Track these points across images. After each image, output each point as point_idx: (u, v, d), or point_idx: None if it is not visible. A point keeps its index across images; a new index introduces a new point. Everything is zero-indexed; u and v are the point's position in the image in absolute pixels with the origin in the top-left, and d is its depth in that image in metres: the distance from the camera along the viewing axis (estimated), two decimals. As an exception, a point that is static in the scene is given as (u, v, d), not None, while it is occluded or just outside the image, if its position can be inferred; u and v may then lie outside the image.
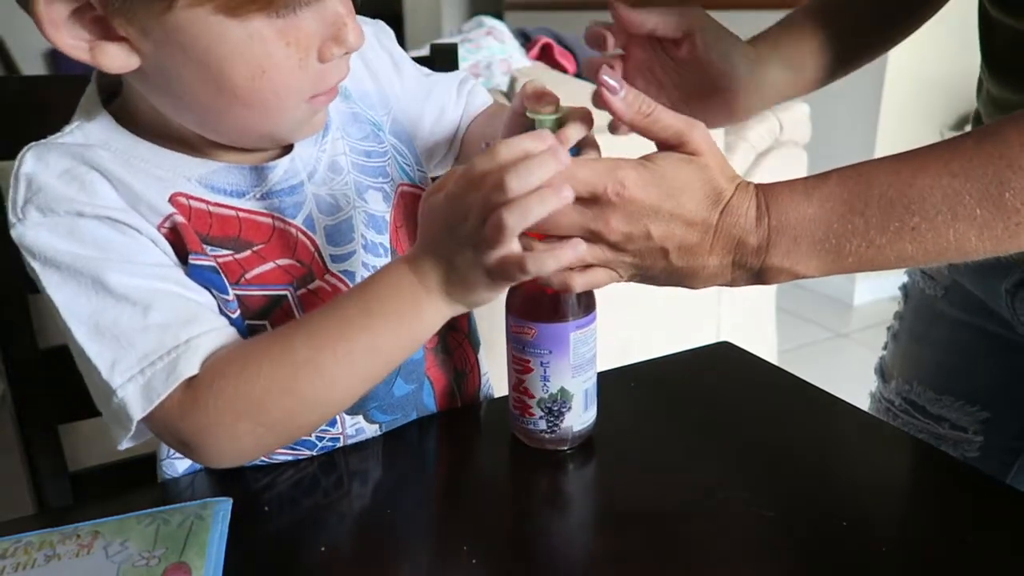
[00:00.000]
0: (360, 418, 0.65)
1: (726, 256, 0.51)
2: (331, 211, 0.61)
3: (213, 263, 0.56)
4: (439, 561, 0.52)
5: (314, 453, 0.63)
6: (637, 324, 1.53)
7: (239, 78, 0.50)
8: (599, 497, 0.59)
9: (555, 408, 0.59)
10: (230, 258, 0.57)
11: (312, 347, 0.51)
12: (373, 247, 0.63)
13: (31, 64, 4.21)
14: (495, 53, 2.27)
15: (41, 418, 0.78)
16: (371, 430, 0.66)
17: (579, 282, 0.52)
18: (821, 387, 0.71)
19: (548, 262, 0.47)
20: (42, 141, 0.55)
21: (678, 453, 0.62)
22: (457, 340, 0.72)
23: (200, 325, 0.52)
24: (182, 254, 0.55)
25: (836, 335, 2.58)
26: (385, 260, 0.64)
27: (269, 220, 0.59)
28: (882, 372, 0.89)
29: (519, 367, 0.60)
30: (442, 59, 0.90)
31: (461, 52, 1.70)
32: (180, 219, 0.55)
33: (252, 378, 0.50)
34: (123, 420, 0.50)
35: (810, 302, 2.80)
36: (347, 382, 0.52)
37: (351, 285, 0.61)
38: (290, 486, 0.60)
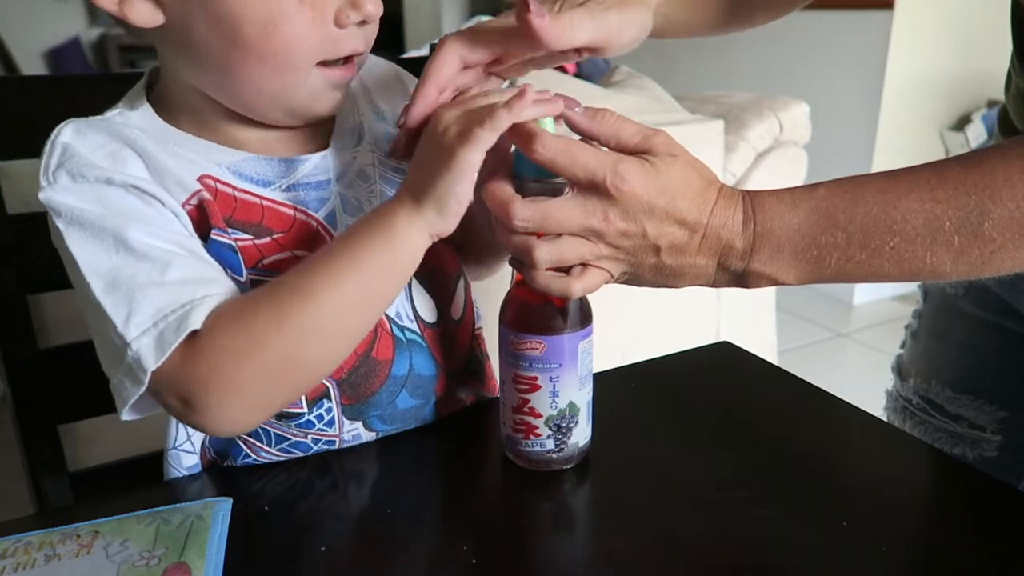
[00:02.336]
0: (359, 425, 0.65)
1: (712, 257, 0.52)
2: (355, 212, 0.62)
3: (233, 242, 0.57)
4: (439, 561, 0.52)
5: (309, 455, 0.63)
6: (637, 324, 1.53)
7: (251, 28, 0.52)
8: (599, 497, 0.59)
9: (563, 424, 0.58)
10: (250, 243, 0.58)
11: (300, 274, 0.53)
12: None
13: (31, 64, 4.22)
14: (495, 53, 2.27)
15: (41, 418, 0.78)
16: (368, 438, 0.66)
17: (578, 286, 0.52)
18: (821, 387, 0.71)
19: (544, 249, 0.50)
20: (82, 119, 0.57)
21: (678, 453, 0.62)
22: (476, 382, 0.72)
23: (214, 287, 0.53)
24: (204, 231, 0.56)
25: (836, 335, 2.58)
26: None
27: (291, 211, 0.60)
28: (899, 370, 0.88)
29: (524, 386, 0.57)
30: (442, 59, 0.90)
31: (461, 52, 1.70)
32: (207, 196, 0.57)
33: (249, 316, 0.51)
34: (137, 374, 0.50)
35: (810, 302, 2.80)
36: (335, 305, 0.52)
37: None
38: (290, 486, 0.60)
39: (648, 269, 0.53)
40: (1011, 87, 0.70)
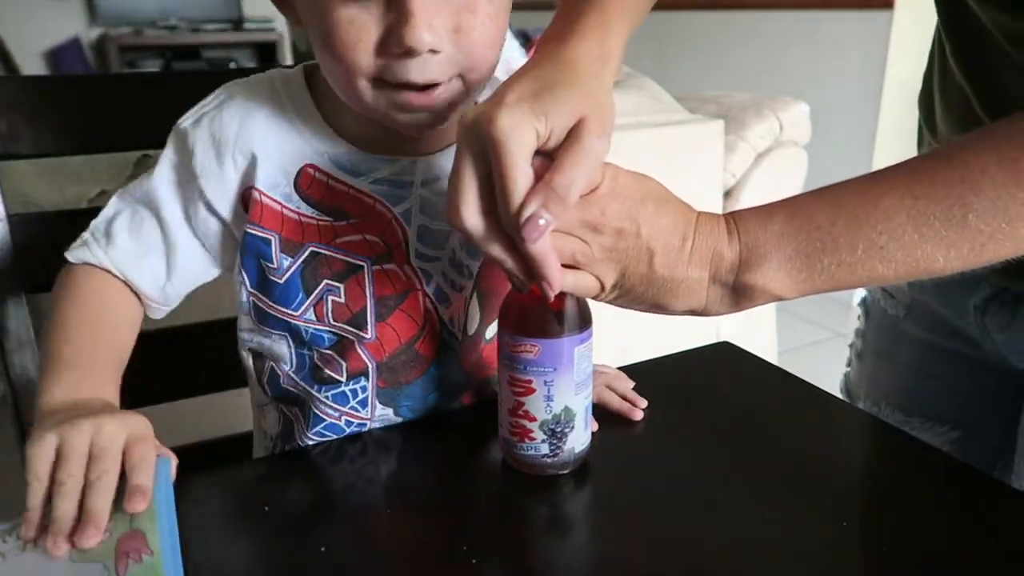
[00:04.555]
0: (390, 412, 0.68)
1: (704, 269, 0.52)
2: (434, 216, 0.65)
3: (268, 237, 0.64)
4: (439, 561, 0.52)
5: (309, 453, 0.64)
6: (637, 324, 1.53)
7: (317, 36, 0.56)
8: (598, 496, 0.59)
9: (558, 429, 0.58)
10: (328, 223, 0.64)
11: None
12: (458, 264, 0.67)
13: (31, 64, 4.22)
14: (495, 53, 2.27)
15: (41, 418, 0.78)
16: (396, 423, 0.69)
17: (569, 280, 0.51)
18: (821, 387, 0.71)
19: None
20: (246, 80, 0.66)
21: (678, 453, 0.62)
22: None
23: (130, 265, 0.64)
24: (244, 216, 0.64)
25: (836, 335, 2.58)
26: (467, 281, 0.68)
27: (371, 201, 0.64)
28: (847, 391, 0.88)
29: (519, 389, 0.57)
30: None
31: (461, 52, 1.70)
32: (273, 204, 0.64)
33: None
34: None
35: (810, 302, 2.78)
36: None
37: (424, 284, 0.66)
38: (290, 485, 0.60)
39: (640, 280, 0.52)
40: (942, 80, 0.69)
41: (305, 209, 0.64)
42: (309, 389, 0.67)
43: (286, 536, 0.53)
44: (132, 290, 0.65)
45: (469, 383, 0.70)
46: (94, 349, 0.60)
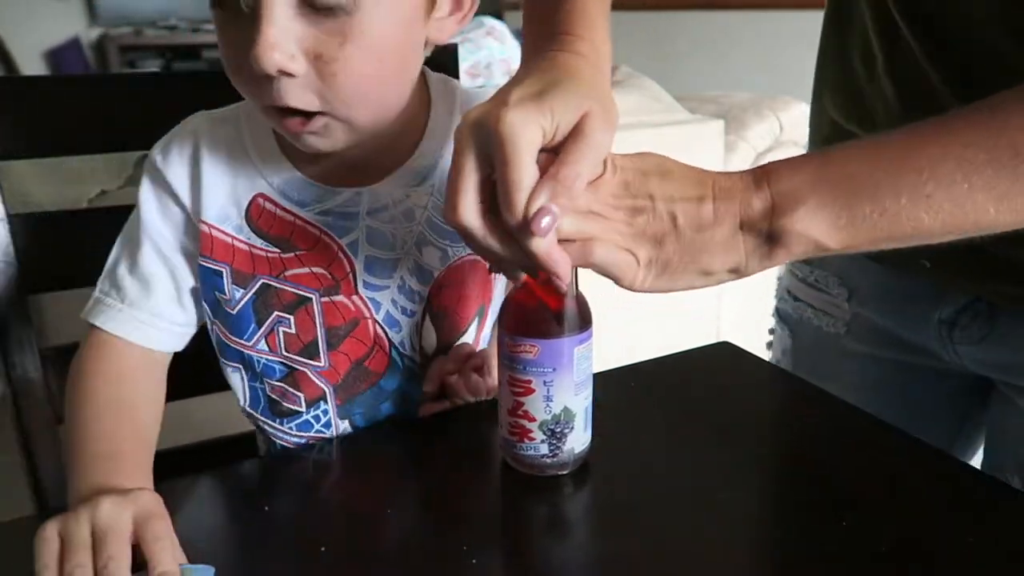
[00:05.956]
0: (347, 423, 0.69)
1: (733, 221, 0.48)
2: (381, 246, 0.65)
3: (220, 269, 0.65)
4: (439, 561, 0.52)
5: (308, 454, 0.64)
6: (637, 324, 1.53)
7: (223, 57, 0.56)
8: (598, 496, 0.59)
9: (558, 430, 0.58)
10: (277, 255, 0.64)
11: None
12: (409, 292, 0.67)
13: (31, 64, 4.22)
14: (495, 53, 2.27)
15: (41, 418, 0.78)
16: (353, 433, 0.69)
17: (599, 253, 0.48)
18: (821, 387, 0.71)
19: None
20: (213, 113, 0.67)
21: (678, 453, 0.62)
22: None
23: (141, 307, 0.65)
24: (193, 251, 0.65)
25: (836, 335, 2.57)
26: (417, 307, 0.67)
27: (317, 232, 0.64)
28: None
29: (518, 389, 0.57)
30: (442, 59, 0.90)
31: (461, 52, 1.69)
32: (227, 227, 0.64)
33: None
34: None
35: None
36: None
37: (374, 312, 0.66)
38: (290, 486, 0.60)
39: (674, 249, 0.49)
40: (870, 70, 0.68)
41: (256, 241, 0.64)
42: (270, 422, 0.69)
43: (286, 536, 0.53)
44: (151, 347, 0.65)
45: (426, 396, 0.70)
46: (120, 439, 0.59)
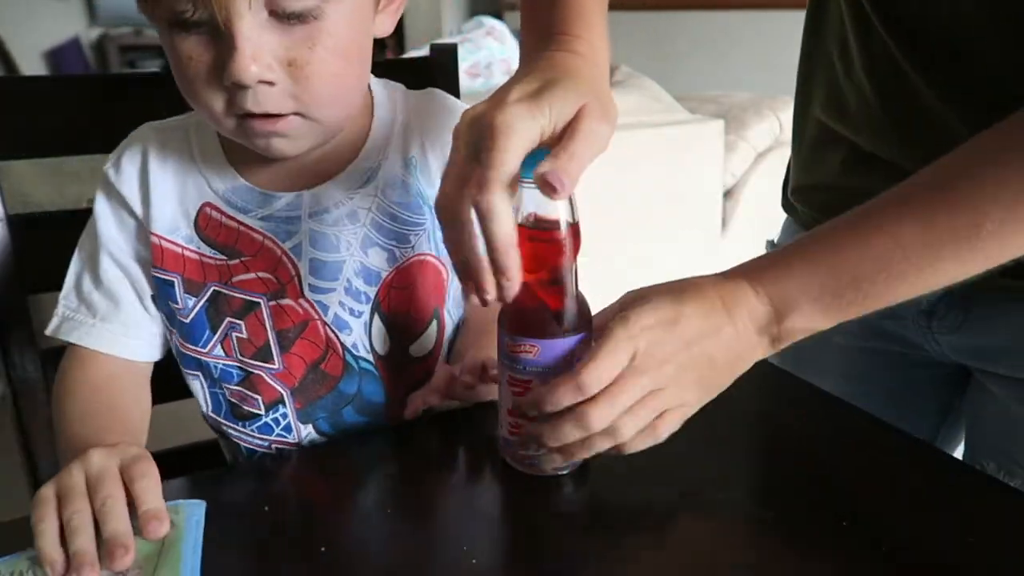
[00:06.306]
0: (311, 427, 0.69)
1: (752, 334, 0.54)
2: (325, 249, 0.65)
3: (171, 279, 0.66)
4: (439, 561, 0.52)
5: (308, 453, 0.64)
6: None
7: (172, 66, 0.57)
8: (598, 496, 0.59)
9: None
10: (224, 262, 0.65)
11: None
12: (356, 293, 0.67)
13: (31, 64, 4.22)
14: (495, 53, 2.27)
15: (41, 418, 0.78)
16: (322, 442, 0.70)
17: (663, 429, 0.54)
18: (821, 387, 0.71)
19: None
20: (160, 123, 0.68)
21: (677, 453, 0.62)
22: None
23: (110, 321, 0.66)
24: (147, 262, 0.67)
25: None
26: (366, 307, 0.67)
27: (261, 237, 0.65)
28: None
29: (519, 389, 0.57)
30: (442, 59, 0.90)
31: (461, 52, 1.70)
32: (174, 248, 0.65)
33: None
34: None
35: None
36: None
37: (322, 315, 0.66)
38: (290, 486, 0.60)
39: (706, 370, 0.54)
40: (847, 65, 0.69)
41: (205, 249, 0.66)
42: (233, 426, 0.69)
43: (286, 536, 0.53)
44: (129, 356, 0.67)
45: (386, 401, 0.69)
46: (112, 436, 0.59)
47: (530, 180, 0.52)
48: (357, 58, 0.58)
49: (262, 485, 0.61)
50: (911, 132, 0.63)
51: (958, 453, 0.79)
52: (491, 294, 0.50)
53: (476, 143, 0.48)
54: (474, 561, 0.50)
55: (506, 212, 0.47)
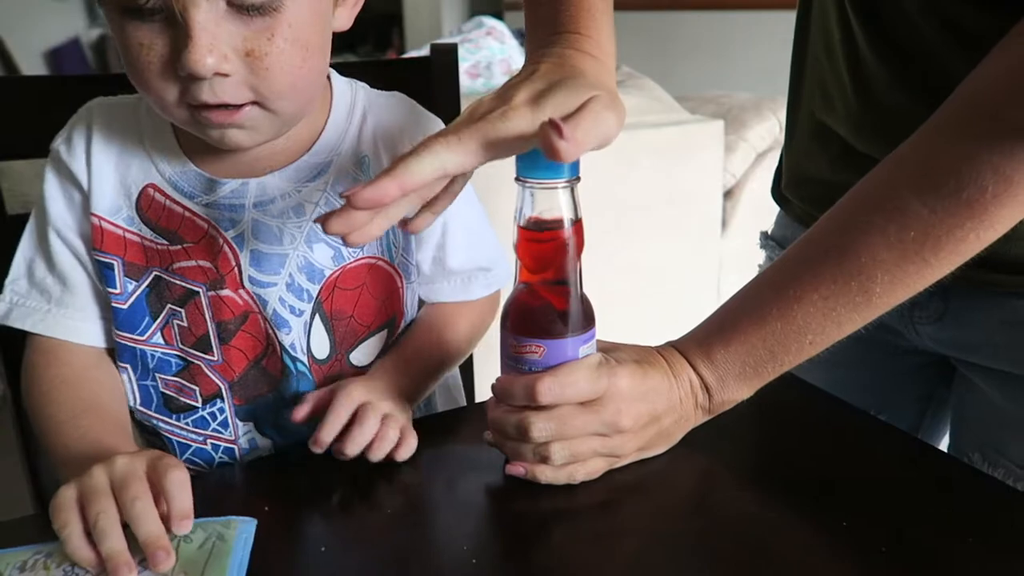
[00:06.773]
0: (252, 426, 0.68)
1: (693, 408, 0.59)
2: (268, 240, 0.65)
3: (111, 262, 0.65)
4: (439, 561, 0.52)
5: (307, 453, 0.64)
6: (637, 324, 1.53)
7: (124, 57, 0.56)
8: (598, 496, 0.59)
9: None
10: (165, 247, 0.65)
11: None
12: (298, 290, 0.66)
13: (31, 64, 4.22)
14: (495, 53, 2.27)
15: (41, 418, 0.78)
16: (264, 444, 0.69)
17: (583, 472, 0.57)
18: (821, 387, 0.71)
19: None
20: (110, 99, 0.68)
21: (678, 453, 0.62)
22: None
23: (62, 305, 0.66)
24: (90, 243, 0.65)
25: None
26: (307, 306, 0.66)
27: (205, 225, 0.64)
28: None
29: None
30: (442, 59, 0.90)
31: (461, 52, 1.70)
32: (119, 220, 0.65)
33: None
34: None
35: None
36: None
37: (262, 309, 0.65)
38: (290, 485, 0.60)
39: (656, 438, 0.59)
40: (831, 58, 0.70)
41: (147, 232, 0.65)
42: (165, 419, 0.68)
43: (286, 536, 0.53)
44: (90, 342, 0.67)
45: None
46: (104, 435, 0.60)
47: (533, 180, 0.52)
48: (316, 50, 0.58)
49: (262, 485, 0.61)
50: (887, 131, 0.64)
51: (943, 445, 0.80)
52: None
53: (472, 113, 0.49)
54: (474, 561, 0.50)
55: (427, 162, 0.48)
